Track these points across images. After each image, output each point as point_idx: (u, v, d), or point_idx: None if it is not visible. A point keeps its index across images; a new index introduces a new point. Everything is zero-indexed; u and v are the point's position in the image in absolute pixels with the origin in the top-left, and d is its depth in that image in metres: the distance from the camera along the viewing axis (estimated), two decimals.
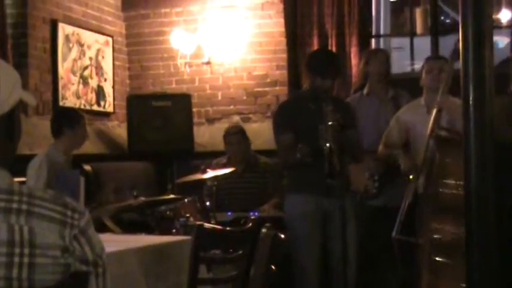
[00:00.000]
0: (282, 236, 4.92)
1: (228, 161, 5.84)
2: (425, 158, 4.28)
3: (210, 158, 6.06)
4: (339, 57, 5.39)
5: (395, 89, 5.40)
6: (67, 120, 4.94)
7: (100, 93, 6.97)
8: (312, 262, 4.58)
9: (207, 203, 5.20)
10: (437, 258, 4.09)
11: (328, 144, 4.08)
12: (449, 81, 4.38)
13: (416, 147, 4.47)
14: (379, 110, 5.20)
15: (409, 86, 5.24)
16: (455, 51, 4.32)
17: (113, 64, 7.14)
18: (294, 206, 4.67)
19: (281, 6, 6.97)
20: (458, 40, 4.20)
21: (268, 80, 7.05)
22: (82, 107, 6.57)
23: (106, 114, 7.10)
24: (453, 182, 4.05)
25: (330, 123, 4.15)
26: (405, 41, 8.43)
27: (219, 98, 7.18)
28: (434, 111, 4.33)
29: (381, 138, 4.99)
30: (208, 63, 7.10)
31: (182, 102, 6.86)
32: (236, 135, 5.92)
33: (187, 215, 4.91)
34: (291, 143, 4.55)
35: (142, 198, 4.97)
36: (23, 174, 4.73)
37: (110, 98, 7.09)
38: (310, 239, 4.57)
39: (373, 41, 7.78)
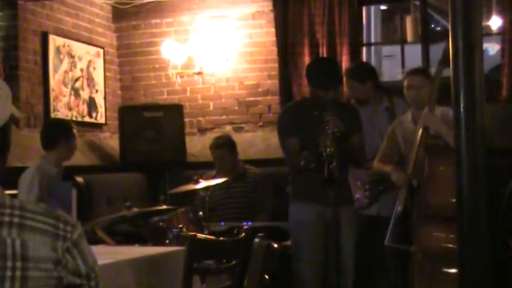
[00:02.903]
0: (276, 245, 4.91)
1: (217, 173, 5.82)
2: (415, 166, 4.29)
3: (202, 168, 6.06)
4: (338, 64, 5.36)
5: (391, 99, 5.39)
6: (62, 131, 4.92)
7: (92, 104, 6.97)
8: (311, 270, 4.57)
9: (200, 213, 5.19)
10: (429, 265, 4.09)
11: (328, 150, 4.08)
12: (434, 94, 4.37)
13: (408, 161, 4.47)
14: (372, 121, 5.20)
15: (400, 94, 5.24)
16: (442, 60, 4.32)
17: (104, 75, 7.14)
18: (296, 213, 4.66)
19: (272, 16, 6.98)
20: (444, 48, 4.23)
21: (260, 90, 7.05)
22: (74, 118, 6.56)
23: (98, 126, 7.10)
24: (442, 189, 4.06)
25: (329, 130, 4.15)
26: (396, 49, 8.46)
27: (211, 108, 7.18)
28: (420, 131, 4.34)
29: (373, 148, 5.00)
30: (199, 73, 7.10)
31: (174, 112, 6.85)
32: (219, 150, 5.91)
33: (181, 226, 4.90)
34: (296, 148, 4.54)
35: (135, 210, 4.96)
36: (15, 187, 4.71)
37: (101, 109, 7.09)
38: (312, 248, 4.55)
39: (364, 49, 7.80)
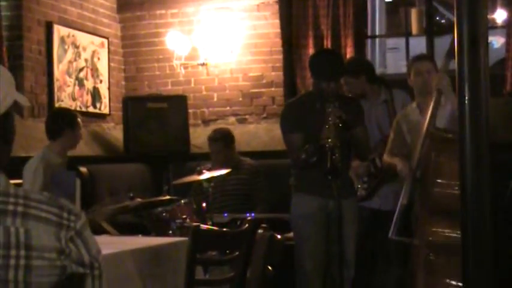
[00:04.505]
0: (279, 236, 4.92)
1: (212, 166, 5.79)
2: (420, 159, 4.27)
3: (206, 159, 6.06)
4: (341, 56, 5.35)
5: (389, 91, 5.38)
6: (67, 121, 4.92)
7: (96, 95, 6.97)
8: (314, 262, 4.57)
9: (203, 204, 5.19)
10: (433, 258, 4.09)
11: (329, 140, 4.08)
12: (448, 85, 4.32)
13: (414, 152, 4.45)
14: (369, 114, 5.19)
15: (404, 86, 5.23)
16: (449, 51, 4.30)
17: (109, 66, 7.14)
18: (298, 205, 4.66)
19: (276, 8, 6.97)
20: (451, 40, 4.20)
21: (264, 81, 7.05)
22: (78, 108, 6.56)
23: (102, 116, 7.10)
24: (448, 181, 4.05)
25: (331, 121, 4.16)
26: (401, 42, 8.44)
27: (215, 99, 7.18)
28: (434, 94, 4.28)
29: (372, 141, 5.00)
30: (203, 64, 7.10)
31: (178, 103, 6.86)
32: (215, 144, 5.90)
33: (184, 217, 4.91)
34: (299, 143, 4.53)
35: (139, 200, 4.97)
36: (19, 176, 4.72)
37: (105, 99, 7.09)
38: (314, 240, 4.55)
39: (368, 41, 7.79)
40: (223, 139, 5.92)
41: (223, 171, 5.46)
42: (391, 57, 10.96)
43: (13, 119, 1.75)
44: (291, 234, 4.90)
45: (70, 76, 6.62)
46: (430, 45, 6.74)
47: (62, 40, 6.52)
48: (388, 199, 4.89)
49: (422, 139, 4.26)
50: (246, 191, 5.89)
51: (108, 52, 7.14)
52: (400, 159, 4.58)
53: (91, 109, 6.90)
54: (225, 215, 5.51)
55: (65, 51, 6.55)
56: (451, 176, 4.00)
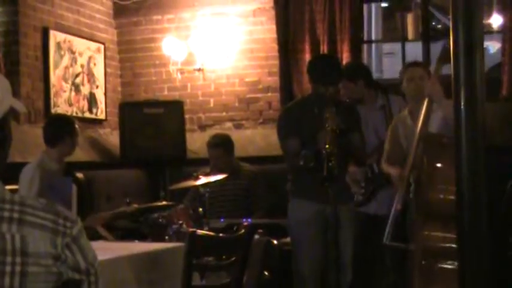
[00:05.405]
0: (275, 242, 4.92)
1: (211, 171, 5.78)
2: (413, 164, 4.27)
3: (202, 164, 6.05)
4: (339, 61, 5.37)
5: (386, 96, 5.39)
6: (67, 128, 4.90)
7: (92, 100, 6.97)
8: (311, 268, 4.57)
9: (200, 210, 5.18)
10: (429, 264, 4.09)
11: (327, 146, 4.08)
12: (440, 90, 4.33)
13: (408, 157, 4.45)
14: (366, 119, 5.20)
15: (400, 91, 5.24)
16: (441, 56, 4.31)
17: (105, 71, 7.14)
18: (295, 211, 4.66)
19: (273, 13, 6.98)
20: (443, 45, 4.20)
21: (260, 87, 7.05)
22: (74, 114, 6.55)
23: (98, 122, 7.09)
24: (442, 186, 4.05)
25: (328, 127, 4.16)
26: (397, 47, 8.47)
27: (211, 104, 7.18)
28: (425, 102, 4.30)
29: (368, 146, 5.00)
30: (200, 70, 7.10)
31: (174, 109, 6.85)
32: (215, 149, 5.88)
33: (180, 222, 4.91)
34: (296, 148, 4.53)
35: (135, 206, 4.97)
36: (15, 182, 4.71)
37: (102, 105, 7.08)
38: (311, 245, 4.56)
39: (364, 46, 7.80)
40: (223, 145, 5.91)
41: (220, 177, 5.45)
42: (387, 62, 11.00)
43: (9, 124, 1.75)
44: (288, 240, 4.90)
45: (66, 82, 6.62)
46: (426, 50, 6.76)
47: (58, 46, 6.52)
48: (385, 204, 4.89)
49: (415, 144, 4.27)
50: (245, 197, 5.88)
51: (105, 57, 7.14)
52: (395, 168, 4.58)
53: (87, 115, 6.90)
54: (222, 220, 5.50)
55: (61, 56, 6.55)
56: (445, 181, 4.00)
